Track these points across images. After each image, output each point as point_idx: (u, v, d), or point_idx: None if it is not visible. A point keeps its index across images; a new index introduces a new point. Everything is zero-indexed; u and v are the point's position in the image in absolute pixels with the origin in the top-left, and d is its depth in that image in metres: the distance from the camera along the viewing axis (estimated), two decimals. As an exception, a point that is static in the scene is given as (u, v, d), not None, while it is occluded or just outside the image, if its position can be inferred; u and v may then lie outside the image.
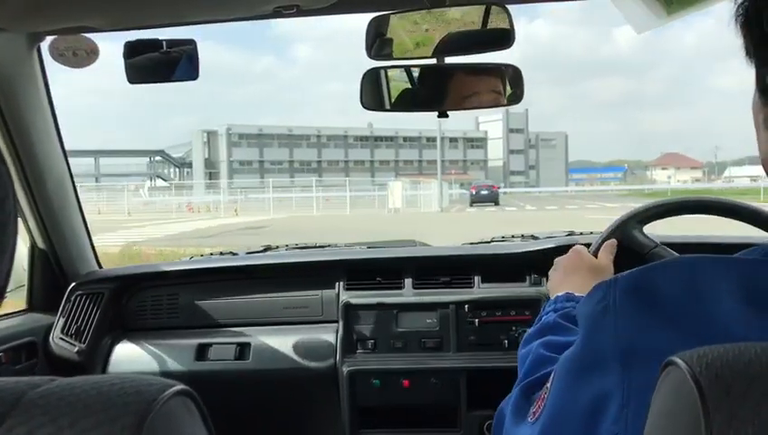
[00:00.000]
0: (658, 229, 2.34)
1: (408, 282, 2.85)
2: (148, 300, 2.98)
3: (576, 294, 1.64)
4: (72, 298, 2.88)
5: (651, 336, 0.90)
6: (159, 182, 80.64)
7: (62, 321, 2.85)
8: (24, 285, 2.90)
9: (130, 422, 0.66)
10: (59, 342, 2.81)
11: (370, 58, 2.01)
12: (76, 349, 2.80)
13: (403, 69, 2.10)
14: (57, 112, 2.68)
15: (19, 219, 2.59)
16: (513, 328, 2.70)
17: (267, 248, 3.32)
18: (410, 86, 2.12)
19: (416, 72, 2.10)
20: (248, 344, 2.82)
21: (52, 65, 2.50)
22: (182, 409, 0.74)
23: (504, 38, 1.94)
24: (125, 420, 0.66)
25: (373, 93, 2.11)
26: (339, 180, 53.28)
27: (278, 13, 2.05)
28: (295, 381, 2.80)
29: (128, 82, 2.28)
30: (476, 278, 2.84)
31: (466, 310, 2.74)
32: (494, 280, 2.83)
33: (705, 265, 0.94)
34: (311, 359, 2.77)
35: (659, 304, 0.92)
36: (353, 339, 2.77)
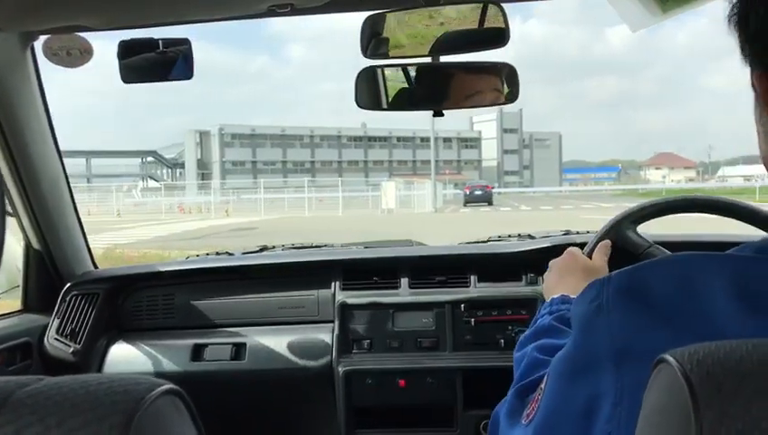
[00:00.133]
0: (652, 229, 2.35)
1: (404, 281, 2.85)
2: (143, 300, 2.98)
3: (571, 297, 1.63)
4: (68, 299, 2.88)
5: (645, 335, 0.90)
6: (151, 183, 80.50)
7: (57, 321, 2.84)
8: (18, 286, 2.90)
9: (118, 421, 0.66)
10: (54, 342, 2.80)
11: (366, 57, 2.01)
12: (71, 350, 2.79)
13: (398, 68, 2.10)
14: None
15: (14, 219, 2.59)
16: (510, 327, 2.70)
17: (263, 248, 3.32)
18: (406, 85, 2.11)
19: (412, 72, 2.10)
20: (244, 345, 2.82)
21: (45, 65, 2.49)
22: (170, 408, 0.74)
23: (498, 37, 1.94)
24: (113, 418, 0.66)
25: (369, 93, 2.11)
26: (332, 181, 53.29)
27: (272, 11, 2.04)
28: (291, 382, 2.80)
29: (122, 82, 2.27)
30: (473, 278, 2.84)
31: (462, 309, 2.74)
32: (491, 279, 2.83)
33: (698, 262, 0.94)
34: (306, 359, 2.76)
35: (652, 303, 0.92)
36: (349, 339, 2.77)
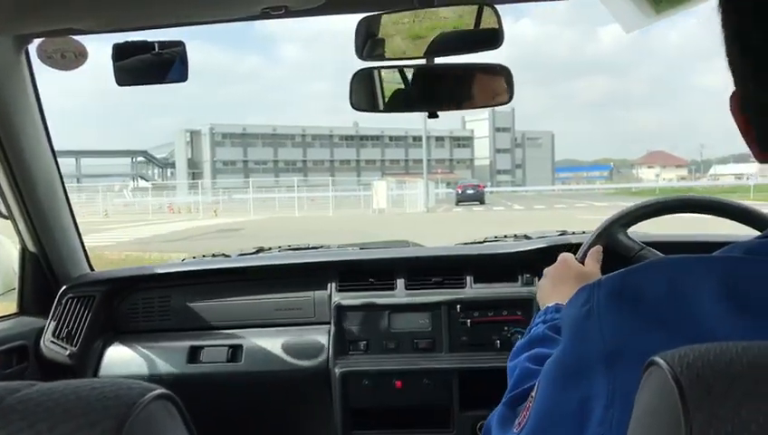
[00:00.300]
0: (644, 228, 2.35)
1: (400, 282, 2.86)
2: (139, 302, 2.98)
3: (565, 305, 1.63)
4: (63, 301, 2.87)
5: (636, 337, 0.90)
6: (142, 183, 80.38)
7: (53, 324, 2.84)
8: (14, 289, 2.90)
9: (110, 426, 0.65)
10: (50, 345, 2.80)
11: (361, 59, 2.01)
12: (67, 352, 2.79)
13: (394, 69, 2.09)
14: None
15: (9, 222, 2.59)
16: (506, 328, 2.71)
17: (260, 250, 3.32)
18: (402, 87, 2.11)
19: (407, 73, 2.10)
20: (240, 346, 2.82)
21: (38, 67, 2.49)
22: (162, 412, 0.73)
23: (493, 38, 1.94)
24: (104, 424, 0.65)
25: (364, 94, 2.10)
26: (324, 180, 53.19)
27: (266, 14, 2.04)
28: (288, 383, 2.80)
29: (117, 85, 2.27)
30: (469, 278, 2.84)
31: (459, 310, 2.74)
32: (487, 280, 2.84)
33: (688, 264, 0.94)
34: (303, 360, 2.77)
35: (643, 306, 0.92)
36: (345, 340, 2.77)
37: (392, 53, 2.00)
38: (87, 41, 2.43)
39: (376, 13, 1.96)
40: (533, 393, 1.11)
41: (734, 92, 0.97)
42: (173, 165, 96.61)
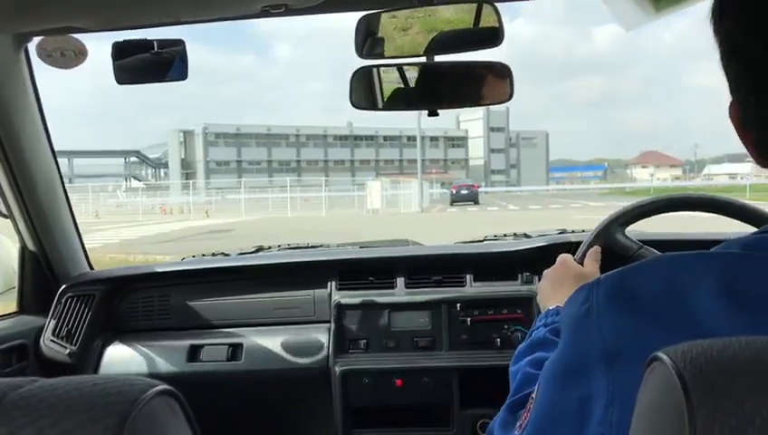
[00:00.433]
0: (640, 228, 2.35)
1: (400, 281, 2.86)
2: (139, 301, 2.98)
3: None
4: (63, 300, 2.87)
5: (635, 336, 0.90)
6: (135, 183, 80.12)
7: (52, 323, 2.83)
8: (14, 288, 2.89)
9: (112, 422, 0.66)
10: (50, 344, 2.80)
11: (361, 57, 2.01)
12: (67, 351, 2.79)
13: (394, 68, 2.10)
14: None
15: (9, 221, 2.58)
16: (506, 326, 2.71)
17: (259, 249, 3.32)
18: (402, 85, 2.11)
19: (407, 71, 2.10)
20: (240, 345, 2.82)
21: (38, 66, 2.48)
22: (165, 409, 0.74)
23: (493, 36, 1.94)
24: (107, 420, 0.66)
25: (364, 93, 2.10)
26: (318, 180, 53.06)
27: (266, 12, 2.03)
28: (288, 382, 2.80)
29: (116, 83, 2.26)
30: (468, 277, 2.84)
31: (459, 309, 2.74)
32: (486, 279, 2.84)
33: (685, 262, 0.94)
34: (303, 359, 2.77)
35: (642, 304, 0.92)
36: (345, 339, 2.77)
37: (392, 51, 2.01)
38: (84, 40, 2.43)
39: (376, 11, 1.96)
40: (534, 394, 1.11)
41: (732, 102, 0.97)
42: (166, 165, 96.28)
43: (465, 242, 3.29)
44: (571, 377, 0.99)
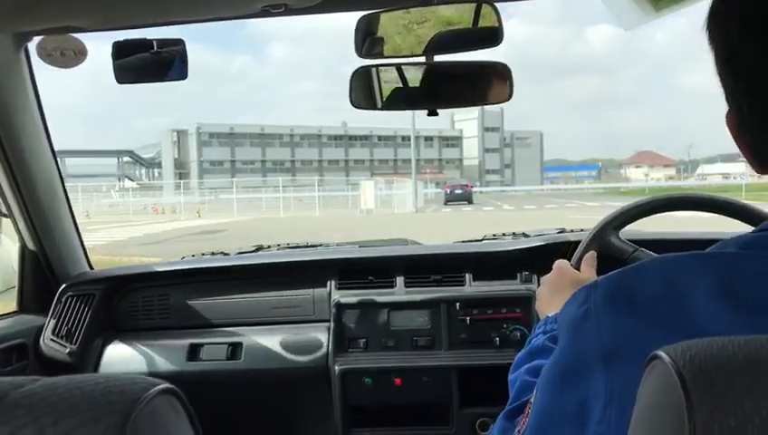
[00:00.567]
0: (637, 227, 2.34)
1: (399, 280, 2.86)
2: (139, 300, 2.98)
3: None
4: (63, 299, 2.87)
5: (634, 337, 0.90)
6: (128, 183, 79.90)
7: (52, 322, 2.84)
8: (14, 287, 2.89)
9: (114, 421, 0.66)
10: (50, 343, 2.80)
11: (360, 57, 2.01)
12: (67, 350, 2.79)
13: (394, 67, 2.10)
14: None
15: (9, 220, 2.58)
16: (505, 325, 2.71)
17: (259, 248, 3.33)
18: (401, 85, 2.12)
19: (406, 71, 2.10)
20: (240, 344, 2.82)
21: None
22: (167, 407, 0.74)
23: (492, 36, 1.94)
24: (109, 419, 0.66)
25: (363, 92, 2.11)
26: (312, 180, 52.96)
27: (266, 12, 2.04)
28: (287, 381, 2.81)
29: (116, 83, 2.27)
30: (468, 276, 2.85)
31: (458, 308, 2.75)
32: (486, 278, 2.84)
33: (683, 263, 0.94)
34: (303, 358, 2.77)
35: (640, 305, 0.92)
36: (345, 338, 2.78)
37: (391, 51, 2.01)
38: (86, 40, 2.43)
39: (375, 11, 1.97)
40: (532, 399, 1.10)
41: (728, 111, 0.98)
42: (160, 165, 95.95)
43: (464, 241, 3.30)
44: (570, 379, 0.98)
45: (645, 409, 0.74)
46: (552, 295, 1.79)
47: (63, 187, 2.83)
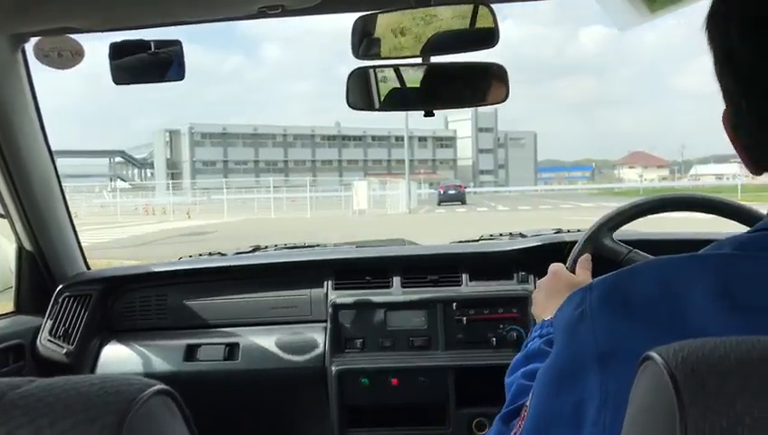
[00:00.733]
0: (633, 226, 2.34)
1: (396, 281, 2.87)
2: (136, 301, 2.98)
3: None
4: (60, 300, 2.87)
5: (629, 338, 0.89)
6: (120, 183, 79.61)
7: (49, 323, 2.84)
8: (11, 288, 2.89)
9: (110, 422, 0.66)
10: (47, 344, 2.80)
11: (357, 58, 2.01)
12: (64, 351, 2.79)
13: (391, 68, 2.10)
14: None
15: (6, 221, 2.58)
16: (501, 326, 2.72)
17: (256, 248, 3.33)
18: (398, 86, 2.12)
19: (403, 72, 2.11)
20: (237, 345, 2.82)
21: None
22: (162, 408, 0.74)
23: (488, 37, 1.95)
24: (105, 419, 0.66)
25: (360, 93, 2.11)
26: (306, 181, 52.95)
27: (263, 13, 2.04)
28: (284, 381, 2.81)
29: (114, 83, 2.26)
30: (464, 276, 2.85)
31: (454, 308, 2.75)
32: (482, 278, 2.85)
33: (679, 264, 0.94)
34: (299, 358, 2.77)
35: (636, 307, 0.92)
36: (342, 338, 2.78)
37: (388, 52, 2.01)
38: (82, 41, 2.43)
39: (372, 12, 1.97)
40: (528, 402, 1.10)
41: (725, 110, 0.98)
42: (152, 165, 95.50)
43: (460, 242, 3.31)
44: (566, 382, 0.98)
45: (637, 410, 0.74)
46: (547, 299, 1.79)
47: (60, 187, 2.83)
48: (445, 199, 50.97)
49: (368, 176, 76.58)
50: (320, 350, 2.77)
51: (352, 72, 2.08)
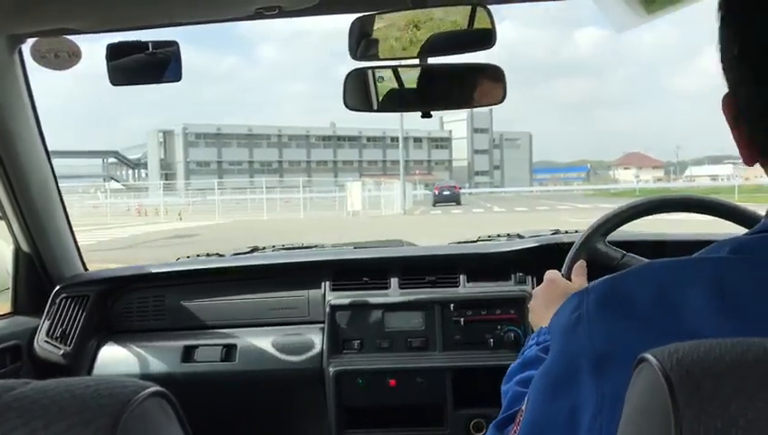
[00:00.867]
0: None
1: (393, 282, 2.87)
2: (134, 302, 2.98)
3: None
4: (57, 301, 2.87)
5: (625, 341, 0.89)
6: (113, 184, 79.40)
7: (47, 324, 2.83)
8: (8, 289, 2.89)
9: (104, 424, 0.66)
10: (44, 345, 2.80)
11: (355, 59, 2.01)
12: (61, 352, 2.79)
13: (388, 69, 2.10)
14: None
15: (2, 222, 2.58)
16: (499, 327, 2.72)
17: (254, 249, 3.33)
18: (396, 87, 2.12)
19: (401, 73, 2.11)
20: (234, 346, 2.83)
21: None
22: (157, 410, 0.74)
23: (486, 38, 1.95)
24: (99, 421, 0.66)
25: (358, 94, 2.11)
26: (301, 181, 52.82)
27: (260, 14, 2.04)
28: (282, 382, 2.81)
29: (111, 84, 2.26)
30: (462, 277, 2.85)
31: (452, 309, 2.75)
32: (480, 279, 2.85)
33: (676, 268, 0.94)
34: (297, 359, 2.77)
35: (632, 311, 0.91)
36: (339, 339, 2.78)
37: (386, 53, 2.01)
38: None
39: (369, 13, 1.97)
40: (524, 407, 1.10)
41: (726, 95, 0.96)
42: (146, 166, 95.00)
43: (458, 243, 3.31)
44: (562, 387, 0.97)
45: (632, 412, 0.74)
46: (544, 307, 1.78)
47: (58, 188, 2.83)
48: (440, 200, 51.08)
49: (363, 177, 76.38)
50: (317, 351, 2.77)
51: (350, 74, 2.08)
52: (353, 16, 1.98)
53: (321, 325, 2.82)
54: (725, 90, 0.97)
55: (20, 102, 2.54)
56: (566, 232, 3.07)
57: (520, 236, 3.15)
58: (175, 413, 0.77)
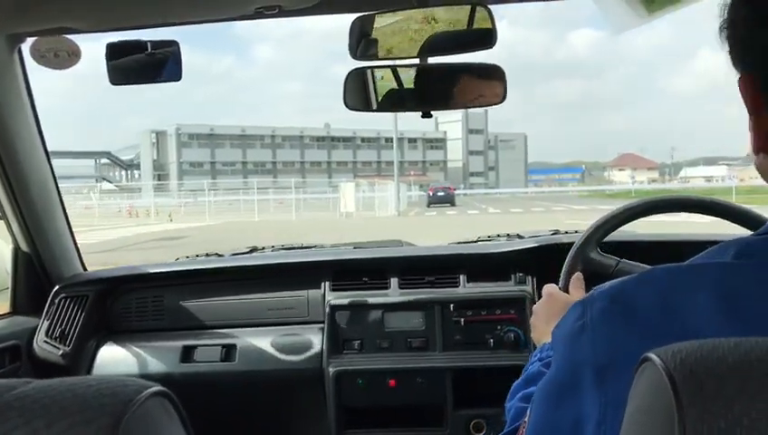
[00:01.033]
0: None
1: (393, 282, 2.87)
2: (133, 302, 2.98)
3: None
4: (57, 301, 2.87)
5: (626, 349, 0.88)
6: (106, 185, 79.24)
7: (46, 324, 2.83)
8: (7, 288, 2.88)
9: (106, 423, 0.65)
10: (43, 345, 2.80)
11: (355, 59, 2.01)
12: (60, 352, 2.79)
13: (388, 69, 2.10)
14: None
15: (2, 221, 2.57)
16: (499, 327, 2.72)
17: (253, 249, 3.33)
18: (396, 86, 2.12)
19: (401, 73, 2.10)
20: (234, 346, 2.83)
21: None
22: (159, 410, 0.73)
23: (486, 38, 1.95)
24: (101, 421, 0.66)
25: (358, 94, 2.11)
26: (295, 182, 52.69)
27: (260, 13, 2.04)
28: (281, 382, 2.81)
29: (110, 84, 2.26)
30: (462, 277, 2.85)
31: (452, 309, 2.75)
32: (480, 279, 2.85)
33: (679, 275, 0.94)
34: (297, 359, 2.77)
35: (636, 318, 0.91)
36: (339, 339, 2.78)
37: (386, 52, 2.01)
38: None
39: (370, 12, 1.97)
40: (527, 418, 1.09)
41: (746, 78, 0.93)
42: (139, 167, 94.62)
43: (458, 243, 3.31)
44: (566, 394, 0.97)
45: (636, 411, 0.74)
46: (545, 323, 1.77)
47: (57, 188, 2.82)
48: (434, 201, 51.11)
49: (357, 177, 76.25)
50: (317, 351, 2.77)
51: (350, 73, 2.08)
52: (352, 16, 1.98)
53: (321, 325, 2.82)
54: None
55: (19, 102, 2.54)
56: (566, 232, 3.07)
57: (520, 237, 3.15)
58: (177, 413, 0.76)
